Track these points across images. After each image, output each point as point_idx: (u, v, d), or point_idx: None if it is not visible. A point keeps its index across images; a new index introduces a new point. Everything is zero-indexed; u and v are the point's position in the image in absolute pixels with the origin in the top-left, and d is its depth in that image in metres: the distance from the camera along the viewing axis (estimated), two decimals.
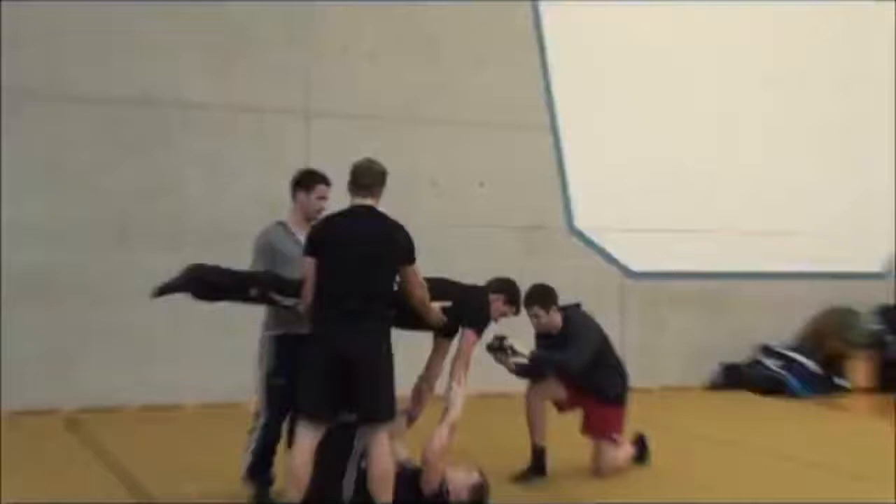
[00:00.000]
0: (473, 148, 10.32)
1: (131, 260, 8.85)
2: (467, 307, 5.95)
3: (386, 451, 5.35)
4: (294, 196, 6.11)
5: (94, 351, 8.95)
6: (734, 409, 10.12)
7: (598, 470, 7.04)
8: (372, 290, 5.33)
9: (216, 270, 5.77)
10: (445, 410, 5.86)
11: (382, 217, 5.47)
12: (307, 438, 5.33)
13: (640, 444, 7.38)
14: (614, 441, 7.05)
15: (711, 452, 7.95)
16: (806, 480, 7.04)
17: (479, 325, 6.00)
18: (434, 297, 5.73)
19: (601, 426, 7.05)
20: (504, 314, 6.31)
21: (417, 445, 5.97)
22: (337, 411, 5.38)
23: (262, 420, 5.95)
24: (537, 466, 6.91)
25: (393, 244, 5.40)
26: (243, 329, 9.05)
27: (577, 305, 7.12)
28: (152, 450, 7.52)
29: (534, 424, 6.95)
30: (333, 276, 5.35)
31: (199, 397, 9.20)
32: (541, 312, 6.85)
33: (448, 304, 5.85)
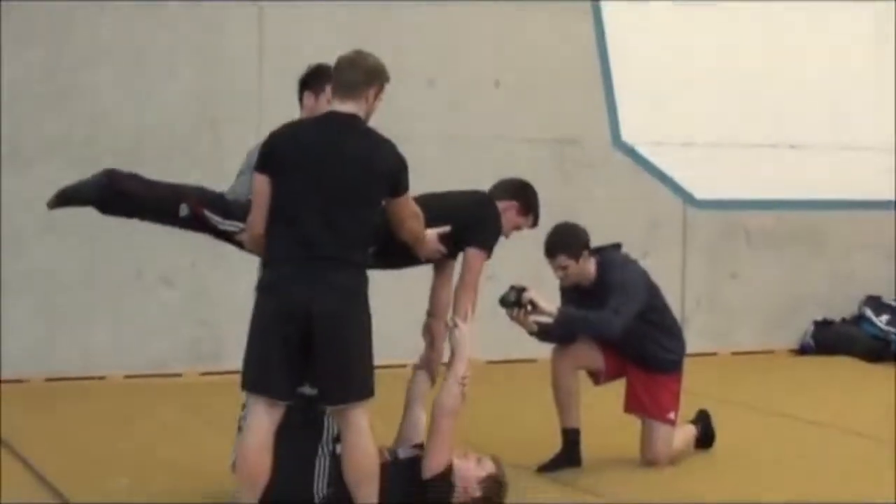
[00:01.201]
0: (485, 32, 10.33)
1: (28, 187, 8.87)
2: (470, 220, 6.05)
3: (365, 439, 5.35)
4: (301, 100, 6.17)
5: None
6: (829, 379, 10.23)
7: (647, 457, 7.15)
8: (342, 226, 5.29)
9: (136, 178, 5.81)
10: (451, 359, 5.99)
11: (365, 130, 5.41)
12: (261, 421, 5.30)
13: (704, 424, 7.48)
14: (669, 421, 7.14)
15: (798, 436, 8.04)
16: None
17: (487, 243, 6.07)
18: (426, 222, 5.79)
19: (651, 402, 7.14)
20: (518, 227, 6.37)
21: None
22: (294, 387, 5.38)
23: None
24: (569, 454, 7.01)
25: (376, 168, 5.35)
26: (185, 278, 9.36)
27: (617, 246, 7.17)
28: (62, 434, 7.68)
29: (563, 402, 7.04)
30: (291, 205, 5.31)
31: (122, 366, 9.36)
32: (569, 262, 6.87)
33: (446, 229, 5.94)
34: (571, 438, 7.03)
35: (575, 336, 7.00)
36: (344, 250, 5.29)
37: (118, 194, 5.75)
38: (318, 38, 9.23)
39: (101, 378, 9.30)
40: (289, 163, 5.34)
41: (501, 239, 6.33)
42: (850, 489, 6.72)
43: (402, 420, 6.28)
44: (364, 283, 5.37)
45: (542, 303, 6.66)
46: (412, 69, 9.80)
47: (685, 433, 7.32)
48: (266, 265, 5.41)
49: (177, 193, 5.84)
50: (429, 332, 6.29)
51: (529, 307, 6.62)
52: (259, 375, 5.30)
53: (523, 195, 6.41)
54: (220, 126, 9.47)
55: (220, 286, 9.14)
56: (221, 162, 8.52)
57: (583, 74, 10.69)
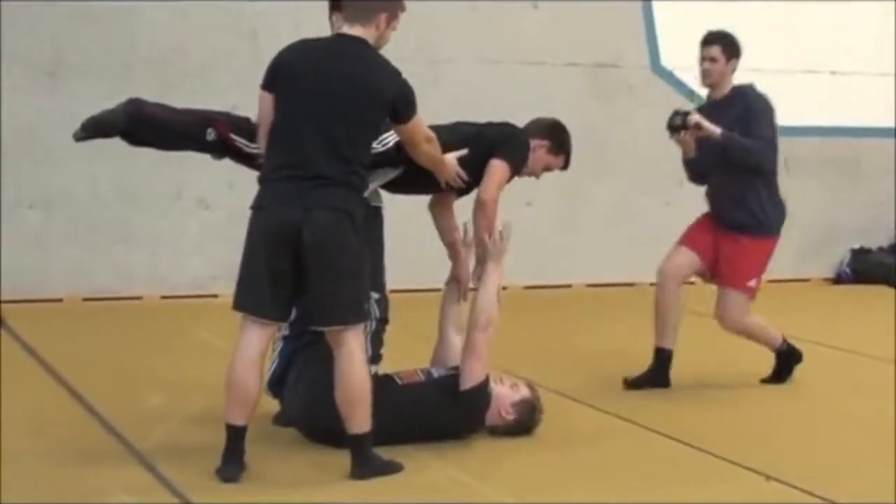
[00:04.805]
0: None
1: (66, 104, 8.83)
2: (496, 144, 6.01)
3: (357, 362, 5.29)
4: (330, 19, 6.04)
5: (18, 228, 9.14)
6: (865, 309, 10.18)
7: (720, 322, 7.17)
8: (340, 148, 5.25)
9: (161, 106, 5.80)
10: (483, 270, 6.01)
11: (371, 55, 5.35)
12: (250, 340, 5.28)
13: (786, 362, 7.35)
14: (746, 289, 7.09)
15: (830, 366, 7.97)
16: None
17: (512, 156, 6.03)
18: (451, 147, 5.80)
19: (732, 269, 7.08)
20: (548, 167, 6.33)
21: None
22: (287, 307, 5.34)
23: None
24: (658, 374, 7.06)
25: (376, 93, 5.30)
26: (221, 199, 9.35)
27: (751, 85, 7.17)
28: (99, 353, 7.72)
29: (662, 320, 7.09)
30: (290, 124, 5.30)
31: (157, 288, 9.43)
32: (720, 56, 6.99)
33: (464, 152, 5.91)
34: (662, 357, 7.08)
35: (706, 172, 7.12)
36: (340, 171, 5.25)
37: (144, 122, 5.73)
38: None
39: (139, 298, 9.38)
40: (291, 81, 5.32)
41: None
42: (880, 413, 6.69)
43: (436, 343, 6.28)
44: (358, 204, 5.33)
45: (706, 123, 6.85)
46: None
47: (769, 329, 7.25)
48: (261, 182, 5.37)
49: (204, 118, 5.83)
50: (452, 248, 6.27)
51: (693, 128, 6.86)
52: (249, 296, 5.29)
53: (556, 134, 6.33)
54: (260, 39, 9.37)
55: None
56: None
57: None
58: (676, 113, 6.94)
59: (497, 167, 5.98)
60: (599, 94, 10.50)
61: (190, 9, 9.47)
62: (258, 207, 5.31)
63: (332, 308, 5.28)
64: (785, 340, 7.32)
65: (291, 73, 5.33)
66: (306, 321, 5.51)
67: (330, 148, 5.23)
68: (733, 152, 6.91)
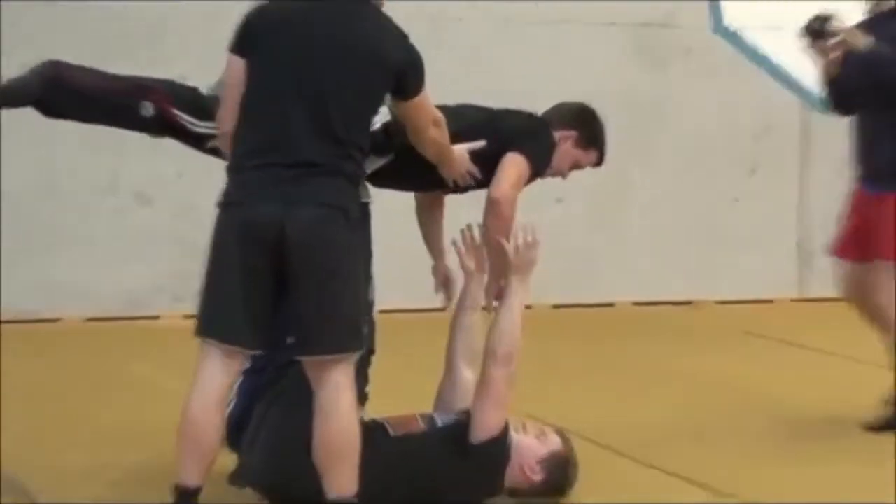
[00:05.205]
0: None
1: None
2: (515, 136, 6.07)
3: (345, 404, 5.28)
4: None
5: None
6: None
7: (871, 304, 7.32)
8: (332, 127, 5.25)
9: (88, 70, 5.87)
10: (505, 290, 5.98)
11: (374, 12, 5.43)
12: (213, 373, 5.28)
13: None
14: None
15: None
16: None
17: (532, 151, 6.06)
18: (459, 134, 5.85)
19: (877, 237, 7.21)
20: (577, 163, 6.36)
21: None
22: (261, 331, 5.30)
23: None
24: None
25: (380, 59, 5.32)
26: (163, 193, 9.30)
27: None
28: (6, 389, 7.61)
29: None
30: (269, 96, 5.31)
31: (82, 307, 9.62)
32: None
33: (480, 143, 5.96)
34: None
35: (854, 98, 7.23)
36: (332, 156, 5.26)
37: (65, 89, 5.79)
38: None
39: (57, 320, 9.55)
40: (271, 43, 5.33)
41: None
42: None
43: (442, 380, 6.25)
44: (355, 197, 5.37)
45: (852, 31, 7.01)
46: None
47: None
48: (231, 172, 5.36)
49: (139, 87, 5.87)
50: (440, 275, 6.39)
51: (835, 37, 6.95)
52: (213, 316, 5.29)
53: (586, 124, 6.37)
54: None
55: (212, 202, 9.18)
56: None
57: None
58: (817, 17, 6.96)
59: (513, 160, 6.01)
60: (647, 62, 10.67)
61: None
62: (226, 204, 5.30)
63: (322, 331, 5.26)
64: None
65: (270, 32, 5.35)
66: (272, 349, 5.51)
67: (319, 126, 5.24)
68: (884, 69, 6.98)
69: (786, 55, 10.74)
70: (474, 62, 9.68)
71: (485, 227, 6.07)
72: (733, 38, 10.96)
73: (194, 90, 5.91)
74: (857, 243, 7.35)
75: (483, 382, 5.87)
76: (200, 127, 5.79)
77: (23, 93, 5.74)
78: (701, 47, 10.88)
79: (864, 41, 6.98)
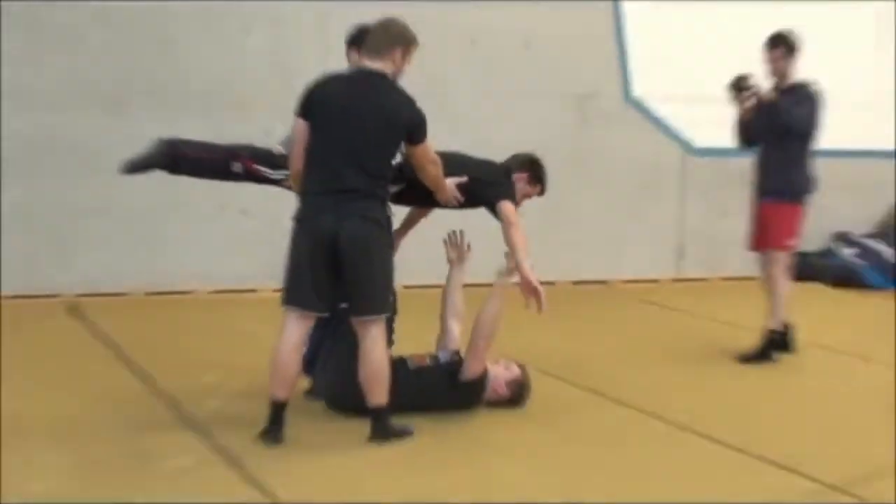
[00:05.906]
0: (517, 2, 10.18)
1: (125, 127, 8.81)
2: (490, 179, 5.98)
3: (378, 347, 5.30)
4: (347, 56, 6.01)
5: (93, 232, 9.12)
6: (799, 302, 10.14)
7: (765, 280, 7.23)
8: (366, 164, 5.23)
9: (191, 144, 5.80)
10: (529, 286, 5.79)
11: (390, 85, 5.33)
12: (293, 328, 5.29)
13: (786, 335, 7.35)
14: (785, 246, 7.12)
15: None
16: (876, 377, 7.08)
17: (510, 194, 5.97)
18: (447, 174, 5.75)
19: (773, 232, 7.11)
20: (528, 195, 6.25)
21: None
22: (325, 301, 5.32)
23: None
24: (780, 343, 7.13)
25: (396, 119, 5.26)
26: (260, 210, 9.30)
27: (811, 82, 7.19)
28: (159, 338, 7.74)
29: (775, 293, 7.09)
30: (323, 146, 5.26)
31: (208, 282, 9.39)
32: (779, 56, 7.01)
33: (464, 179, 5.87)
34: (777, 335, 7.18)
35: (752, 129, 7.11)
36: (367, 184, 5.23)
37: (179, 159, 5.74)
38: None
39: (192, 293, 9.32)
40: (324, 110, 5.28)
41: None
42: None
43: (439, 331, 6.28)
44: (383, 212, 5.33)
45: (763, 88, 6.93)
46: (457, 29, 9.76)
47: (786, 293, 7.25)
48: (301, 197, 5.37)
49: (229, 153, 5.82)
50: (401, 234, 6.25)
51: (752, 91, 6.91)
52: (293, 292, 5.29)
53: (533, 167, 6.27)
54: (292, 79, 9.33)
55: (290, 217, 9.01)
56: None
57: (600, 42, 10.56)
58: (740, 76, 6.95)
59: (506, 205, 5.93)
60: (581, 121, 10.36)
61: (231, 49, 9.42)
62: (300, 219, 5.33)
63: (364, 301, 5.30)
64: (787, 326, 7.29)
65: (324, 102, 5.30)
66: (332, 312, 5.49)
67: (358, 165, 5.23)
68: (774, 112, 6.94)
69: (673, 117, 10.70)
70: (463, 120, 9.38)
71: (508, 237, 5.87)
72: (639, 105, 10.64)
73: (269, 151, 5.83)
74: (758, 239, 7.24)
75: (471, 347, 5.88)
76: (275, 175, 5.78)
77: (150, 163, 5.73)
78: (617, 110, 10.58)
79: (771, 95, 6.92)
